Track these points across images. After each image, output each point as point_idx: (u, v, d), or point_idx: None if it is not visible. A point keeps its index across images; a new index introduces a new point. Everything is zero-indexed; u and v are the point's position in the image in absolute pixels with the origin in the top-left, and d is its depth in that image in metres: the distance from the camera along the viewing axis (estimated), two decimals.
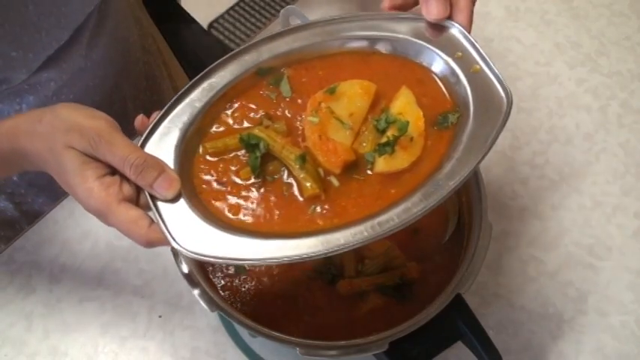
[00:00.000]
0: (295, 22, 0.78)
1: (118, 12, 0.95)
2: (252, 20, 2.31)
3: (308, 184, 0.65)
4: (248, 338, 0.82)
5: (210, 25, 2.31)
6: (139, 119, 0.68)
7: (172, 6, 0.87)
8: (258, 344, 0.81)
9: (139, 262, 0.88)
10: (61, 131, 0.63)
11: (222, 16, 2.32)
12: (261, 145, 0.66)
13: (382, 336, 0.67)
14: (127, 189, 0.63)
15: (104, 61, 0.91)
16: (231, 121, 0.70)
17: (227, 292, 0.76)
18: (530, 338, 0.84)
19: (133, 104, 1.03)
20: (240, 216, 0.65)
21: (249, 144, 0.66)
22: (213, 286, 0.76)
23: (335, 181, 0.66)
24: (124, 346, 0.83)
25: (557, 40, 1.07)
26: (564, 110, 1.00)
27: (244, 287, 0.76)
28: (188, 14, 0.86)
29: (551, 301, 0.86)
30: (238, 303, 0.75)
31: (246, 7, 2.34)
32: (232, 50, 0.69)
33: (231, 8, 2.33)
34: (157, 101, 1.09)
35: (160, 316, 0.85)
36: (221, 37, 2.27)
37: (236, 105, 0.70)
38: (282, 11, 0.78)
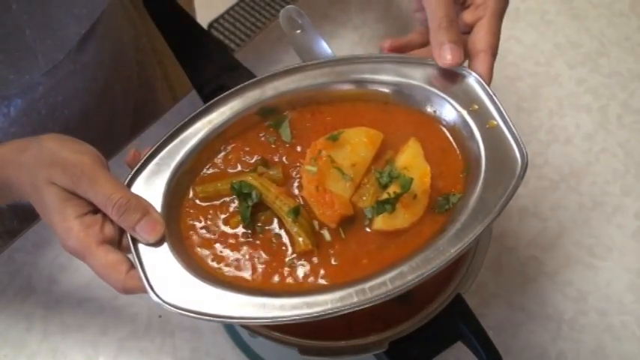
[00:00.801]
0: (296, 22, 0.77)
1: (110, 15, 0.94)
2: (252, 20, 2.31)
3: (300, 239, 0.62)
4: (248, 338, 0.82)
5: (210, 25, 2.31)
6: (131, 153, 0.65)
7: (172, 6, 0.86)
8: (258, 344, 0.81)
9: None
10: (44, 165, 0.61)
11: (222, 16, 2.32)
12: (254, 195, 0.63)
13: (382, 336, 0.67)
14: (109, 230, 0.61)
15: (94, 63, 0.91)
16: (224, 164, 0.67)
17: None
18: (530, 338, 0.84)
19: (123, 104, 1.01)
20: (225, 267, 0.62)
21: (241, 192, 0.63)
22: None
23: (327, 236, 0.63)
24: (124, 347, 0.83)
25: (557, 40, 1.06)
26: (564, 110, 1.00)
27: None
28: (188, 14, 0.86)
29: (550, 301, 0.86)
30: None
31: (246, 7, 2.34)
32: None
33: (231, 8, 2.34)
34: (150, 100, 1.09)
35: (159, 317, 0.85)
36: (221, 37, 2.27)
37: (232, 146, 0.68)
38: (282, 11, 0.77)
